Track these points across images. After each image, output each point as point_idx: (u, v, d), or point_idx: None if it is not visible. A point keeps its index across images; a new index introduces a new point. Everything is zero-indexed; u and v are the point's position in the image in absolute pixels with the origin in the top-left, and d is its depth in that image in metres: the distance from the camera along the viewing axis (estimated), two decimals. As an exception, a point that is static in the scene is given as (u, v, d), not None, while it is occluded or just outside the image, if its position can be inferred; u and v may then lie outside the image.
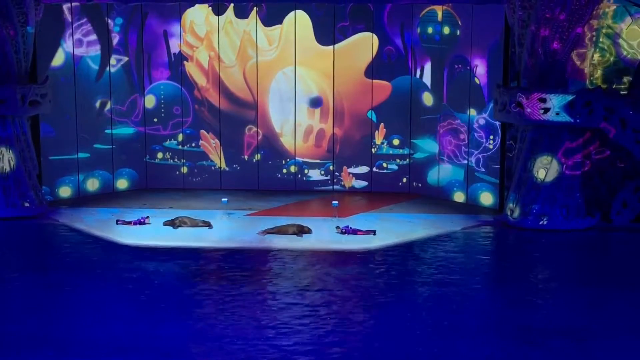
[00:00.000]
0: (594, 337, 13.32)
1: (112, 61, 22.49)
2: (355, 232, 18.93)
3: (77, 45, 21.86)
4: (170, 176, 23.49)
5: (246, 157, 23.40)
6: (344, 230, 18.95)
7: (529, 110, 19.23)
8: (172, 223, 19.40)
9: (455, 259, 17.48)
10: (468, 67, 21.31)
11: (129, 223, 19.60)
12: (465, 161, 21.68)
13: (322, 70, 22.88)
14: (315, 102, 22.95)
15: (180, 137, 23.33)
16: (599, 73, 19.98)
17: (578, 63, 19.80)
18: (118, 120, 22.74)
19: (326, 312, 14.26)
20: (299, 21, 22.62)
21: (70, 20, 21.64)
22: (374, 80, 22.79)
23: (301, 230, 18.83)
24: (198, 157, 23.44)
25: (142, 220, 19.60)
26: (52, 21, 21.32)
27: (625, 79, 19.93)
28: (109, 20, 22.20)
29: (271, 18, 22.71)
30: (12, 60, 19.99)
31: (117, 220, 19.71)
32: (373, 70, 22.74)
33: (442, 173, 22.36)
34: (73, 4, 21.40)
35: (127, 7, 22.15)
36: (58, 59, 21.71)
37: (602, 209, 19.85)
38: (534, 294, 15.61)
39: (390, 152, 23.12)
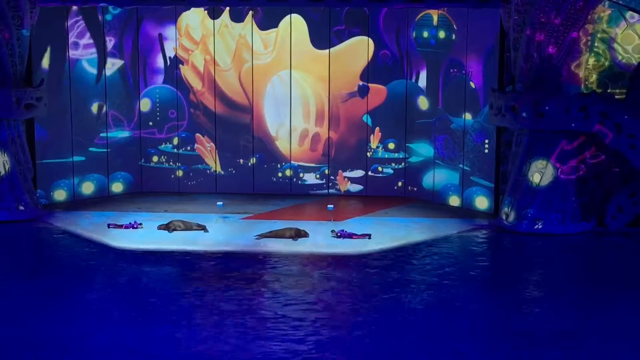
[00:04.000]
0: (588, 341, 13.33)
1: (108, 65, 22.46)
2: (350, 235, 18.92)
3: (72, 49, 21.83)
4: (165, 180, 23.46)
5: (241, 160, 23.38)
6: (339, 234, 18.95)
7: (524, 114, 19.25)
8: (167, 227, 19.37)
9: (450, 262, 17.48)
10: (463, 72, 21.32)
11: (120, 226, 19.58)
12: (461, 165, 21.69)
13: (317, 74, 22.88)
14: (363, 91, 22.85)
15: (175, 141, 23.31)
16: (594, 77, 20.00)
17: (573, 67, 19.83)
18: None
19: (322, 316, 14.25)
20: (295, 25, 22.63)
21: (66, 23, 21.62)
22: (369, 84, 22.80)
23: (297, 234, 18.82)
24: (193, 161, 23.42)
25: (134, 225, 19.58)
26: (50, 24, 21.27)
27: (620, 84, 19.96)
28: (104, 22, 22.16)
29: (267, 22, 22.71)
30: (7, 64, 19.97)
31: (109, 224, 19.68)
32: (368, 74, 22.74)
33: (438, 177, 22.36)
34: (68, 7, 21.38)
35: (123, 10, 22.12)
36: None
37: (597, 213, 19.87)
38: (529, 298, 15.61)
39: (386, 156, 23.12)
